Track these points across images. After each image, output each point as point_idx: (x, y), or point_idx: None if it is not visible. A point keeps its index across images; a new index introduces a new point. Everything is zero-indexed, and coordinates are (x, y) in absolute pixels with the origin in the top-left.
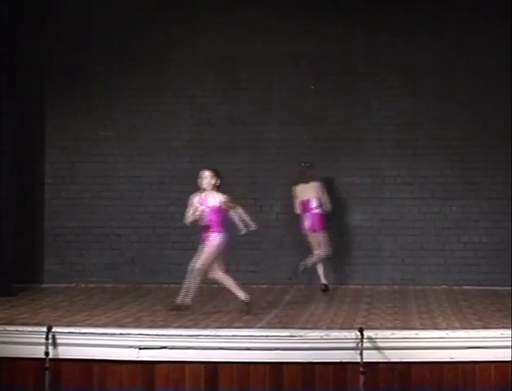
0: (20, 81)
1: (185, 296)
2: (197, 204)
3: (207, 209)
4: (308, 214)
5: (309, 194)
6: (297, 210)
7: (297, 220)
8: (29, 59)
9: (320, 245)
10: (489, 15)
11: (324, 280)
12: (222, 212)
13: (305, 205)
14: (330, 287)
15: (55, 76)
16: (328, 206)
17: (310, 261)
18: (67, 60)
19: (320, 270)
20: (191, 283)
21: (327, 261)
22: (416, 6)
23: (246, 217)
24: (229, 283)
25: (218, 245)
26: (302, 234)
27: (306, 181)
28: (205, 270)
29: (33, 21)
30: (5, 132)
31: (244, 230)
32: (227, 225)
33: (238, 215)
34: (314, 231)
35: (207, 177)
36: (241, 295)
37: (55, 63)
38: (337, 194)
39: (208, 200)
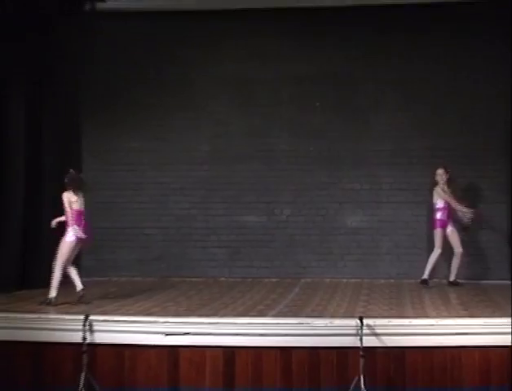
0: (61, 99)
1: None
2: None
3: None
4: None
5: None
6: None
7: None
8: (69, 81)
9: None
10: (474, 36)
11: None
12: (72, 209)
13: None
14: (334, 280)
15: (92, 95)
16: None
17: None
18: (102, 81)
19: (453, 266)
20: (55, 276)
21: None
22: (409, 31)
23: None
24: (57, 275)
25: (71, 240)
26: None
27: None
28: (64, 263)
29: (73, 47)
30: (47, 144)
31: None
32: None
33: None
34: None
35: None
36: (53, 292)
37: (92, 84)
38: (339, 198)
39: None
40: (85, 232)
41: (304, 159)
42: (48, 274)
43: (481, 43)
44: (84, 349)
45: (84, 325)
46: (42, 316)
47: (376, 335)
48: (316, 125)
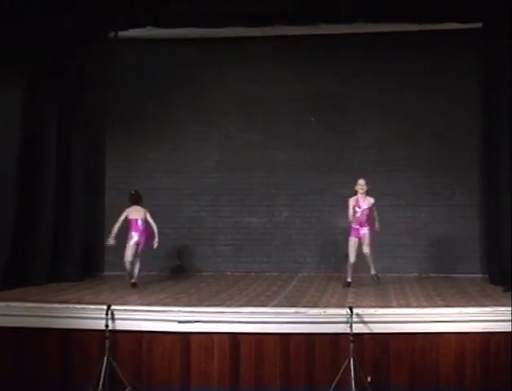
0: (88, 116)
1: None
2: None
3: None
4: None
5: (363, 203)
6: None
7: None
8: (95, 100)
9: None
10: (448, 61)
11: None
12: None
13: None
14: (327, 274)
15: (114, 111)
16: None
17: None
18: (124, 100)
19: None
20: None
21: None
22: (392, 57)
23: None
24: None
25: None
26: None
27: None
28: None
29: (99, 70)
30: (76, 156)
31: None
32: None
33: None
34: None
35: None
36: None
37: (115, 102)
38: (331, 202)
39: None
40: (141, 235)
41: (300, 167)
42: (75, 270)
43: (454, 68)
44: (106, 334)
45: (106, 314)
46: (70, 306)
47: (364, 322)
48: (311, 137)
